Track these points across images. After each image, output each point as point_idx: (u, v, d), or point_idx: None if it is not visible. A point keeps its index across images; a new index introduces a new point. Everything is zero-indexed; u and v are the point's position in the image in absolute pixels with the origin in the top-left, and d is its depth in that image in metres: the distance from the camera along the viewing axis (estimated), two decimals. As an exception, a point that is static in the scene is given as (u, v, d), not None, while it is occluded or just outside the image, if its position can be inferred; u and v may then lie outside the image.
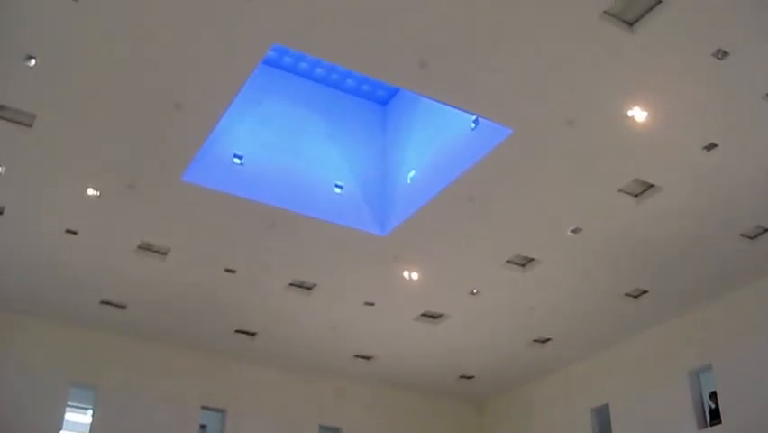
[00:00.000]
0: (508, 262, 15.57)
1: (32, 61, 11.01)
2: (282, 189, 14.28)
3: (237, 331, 18.29)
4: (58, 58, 11.03)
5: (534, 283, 16.08)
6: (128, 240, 14.91)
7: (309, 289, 16.66)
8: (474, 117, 13.14)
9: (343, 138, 15.52)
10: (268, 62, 14.78)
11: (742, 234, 14.41)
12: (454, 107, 12.46)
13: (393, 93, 15.97)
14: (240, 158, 14.17)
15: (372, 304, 17.13)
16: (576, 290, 16.36)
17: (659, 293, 16.36)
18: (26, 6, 10.18)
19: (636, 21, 10.29)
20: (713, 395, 16.27)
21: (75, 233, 14.60)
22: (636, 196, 13.60)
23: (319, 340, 18.64)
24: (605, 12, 10.16)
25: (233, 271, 15.89)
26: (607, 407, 18.64)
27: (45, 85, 11.46)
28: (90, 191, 13.57)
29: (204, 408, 18.84)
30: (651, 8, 10.09)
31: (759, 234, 14.42)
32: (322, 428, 20.12)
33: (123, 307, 17.12)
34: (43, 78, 11.33)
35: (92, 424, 17.63)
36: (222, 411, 19.08)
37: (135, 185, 13.49)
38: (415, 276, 16.01)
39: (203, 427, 19.10)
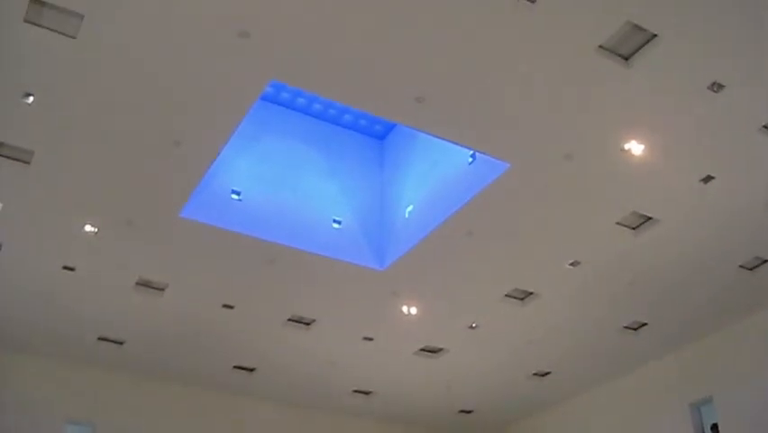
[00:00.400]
0: (507, 295, 15.52)
1: (31, 98, 11.01)
2: (280, 225, 14.25)
3: (236, 367, 18.16)
4: (56, 95, 11.06)
5: (532, 317, 16.03)
6: (126, 276, 14.86)
7: (308, 324, 16.59)
8: (471, 152, 13.18)
9: (341, 173, 15.54)
10: (265, 98, 14.84)
11: (741, 266, 14.41)
12: (451, 142, 12.50)
13: (390, 128, 16.01)
14: (238, 194, 14.18)
15: (371, 339, 17.05)
16: (575, 324, 16.31)
17: (658, 326, 16.31)
18: (24, 43, 10.22)
19: (632, 55, 10.36)
20: (714, 427, 16.16)
21: (72, 269, 14.54)
22: (634, 228, 13.61)
23: (318, 375, 18.51)
24: (600, 46, 10.22)
25: (231, 307, 15.82)
26: (608, 440, 18.54)
27: (43, 122, 11.48)
28: (88, 228, 13.54)
29: (202, 444, 18.70)
30: (646, 42, 10.15)
31: (758, 266, 14.41)
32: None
33: (120, 343, 17.00)
34: (41, 115, 11.35)
35: (89, 461, 17.44)
36: (221, 448, 18.93)
37: (133, 221, 13.48)
38: (413, 311, 15.95)
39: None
